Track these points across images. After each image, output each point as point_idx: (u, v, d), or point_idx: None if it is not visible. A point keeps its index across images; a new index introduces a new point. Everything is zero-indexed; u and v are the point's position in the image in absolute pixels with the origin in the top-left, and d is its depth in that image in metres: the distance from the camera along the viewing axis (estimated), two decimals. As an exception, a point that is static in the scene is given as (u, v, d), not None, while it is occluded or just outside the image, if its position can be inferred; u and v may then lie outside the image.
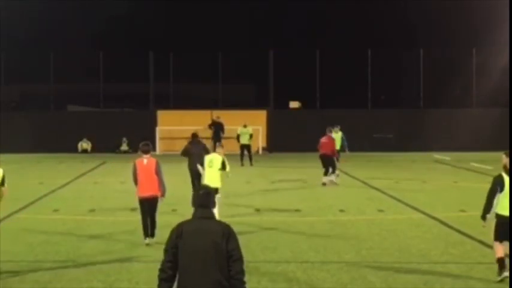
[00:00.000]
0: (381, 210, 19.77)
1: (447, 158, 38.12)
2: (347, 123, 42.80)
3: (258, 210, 19.56)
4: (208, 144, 39.23)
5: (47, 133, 43.47)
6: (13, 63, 46.03)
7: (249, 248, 13.51)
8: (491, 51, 45.56)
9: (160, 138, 42.96)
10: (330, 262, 13.25)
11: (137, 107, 49.46)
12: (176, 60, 46.78)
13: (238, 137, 35.46)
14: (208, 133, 41.61)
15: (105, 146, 43.08)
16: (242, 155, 34.81)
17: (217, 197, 17.46)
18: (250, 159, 34.50)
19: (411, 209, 20.17)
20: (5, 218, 18.47)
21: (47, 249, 14.45)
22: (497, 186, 11.55)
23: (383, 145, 43.36)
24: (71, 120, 45.24)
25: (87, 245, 14.82)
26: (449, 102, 45.31)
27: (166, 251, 6.92)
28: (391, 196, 22.73)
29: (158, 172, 14.99)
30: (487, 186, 12.18)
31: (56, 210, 19.82)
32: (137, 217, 16.39)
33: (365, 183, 26.53)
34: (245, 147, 35.20)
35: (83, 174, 30.24)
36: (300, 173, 30.53)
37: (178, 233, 6.89)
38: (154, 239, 15.24)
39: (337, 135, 27.61)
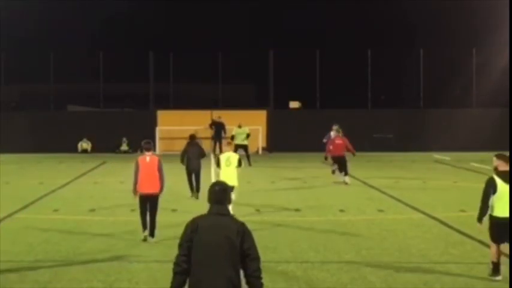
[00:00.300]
0: (380, 210, 19.77)
1: (447, 158, 38.13)
2: (347, 123, 42.84)
3: (258, 210, 19.55)
4: (208, 144, 39.51)
5: (47, 133, 43.46)
6: (13, 63, 46.02)
7: (249, 248, 13.49)
8: (491, 51, 45.55)
9: (160, 138, 42.97)
10: (330, 262, 13.25)
11: (137, 107, 49.46)
12: (176, 60, 46.78)
13: (232, 138, 35.39)
14: (209, 133, 41.70)
15: (105, 146, 43.08)
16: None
17: (234, 193, 18.07)
18: (248, 158, 34.40)
19: (411, 209, 20.17)
20: (5, 218, 18.48)
21: (47, 249, 14.45)
22: (490, 188, 11.69)
23: (383, 145, 43.35)
24: (71, 120, 45.23)
25: (87, 245, 14.82)
26: (449, 102, 45.30)
27: (181, 245, 6.96)
28: (391, 196, 22.73)
29: (160, 169, 15.38)
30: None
31: (56, 210, 19.82)
32: (137, 217, 16.40)
33: (365, 183, 26.54)
34: (241, 148, 35.07)
35: (83, 174, 30.24)
36: (300, 173, 30.53)
37: (194, 227, 6.95)
38: (154, 239, 15.33)
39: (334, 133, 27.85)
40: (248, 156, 34.54)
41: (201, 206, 19.36)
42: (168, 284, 11.54)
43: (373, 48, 45.64)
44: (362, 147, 42.31)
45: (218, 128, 41.01)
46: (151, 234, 15.33)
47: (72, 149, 43.19)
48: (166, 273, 12.20)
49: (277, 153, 41.92)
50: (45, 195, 23.19)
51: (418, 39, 46.82)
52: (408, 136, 43.45)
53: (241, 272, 6.90)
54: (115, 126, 43.45)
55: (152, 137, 40.79)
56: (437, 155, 39.94)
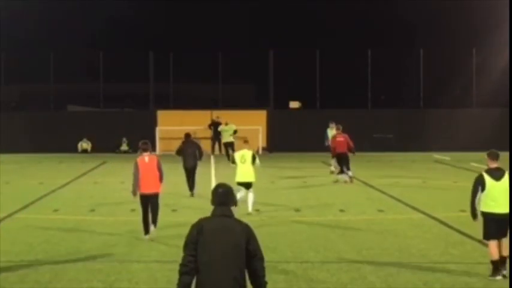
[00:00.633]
0: (380, 210, 19.77)
1: (447, 158, 38.13)
2: (347, 123, 42.81)
3: (258, 210, 19.54)
4: (207, 144, 39.51)
5: (47, 133, 43.44)
6: (13, 63, 46.00)
7: (249, 248, 13.50)
8: (491, 51, 45.55)
9: (160, 138, 42.94)
10: (330, 262, 13.25)
11: (137, 107, 49.45)
12: (176, 60, 46.76)
13: (219, 135, 35.32)
14: (208, 133, 41.72)
15: (105, 146, 43.06)
16: (227, 153, 34.60)
17: (250, 190, 18.78)
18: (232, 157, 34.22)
19: (411, 209, 20.18)
20: (5, 218, 18.49)
21: (47, 249, 14.45)
22: (478, 186, 11.94)
23: (383, 145, 43.34)
24: (71, 120, 45.21)
25: (87, 245, 14.82)
26: (449, 102, 45.28)
27: (186, 246, 7.02)
28: (391, 196, 22.74)
29: (160, 168, 15.59)
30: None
31: (56, 210, 19.82)
32: (137, 217, 16.46)
33: (365, 183, 26.54)
34: (228, 145, 35.04)
35: (83, 174, 30.24)
36: (300, 172, 30.53)
37: (199, 229, 7.00)
38: (155, 230, 15.58)
39: (332, 132, 28.67)
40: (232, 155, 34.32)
41: (201, 206, 19.38)
42: (168, 284, 11.59)
43: (373, 48, 45.63)
44: (362, 147, 42.43)
45: (216, 128, 41.09)
46: (154, 222, 15.57)
47: (72, 149, 43.18)
48: (166, 273, 12.23)
49: (277, 153, 41.91)
50: (45, 195, 23.19)
51: (418, 39, 46.81)
52: (408, 136, 43.43)
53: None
54: (115, 126, 43.43)
55: (152, 137, 40.79)
56: (437, 155, 39.94)
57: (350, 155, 26.87)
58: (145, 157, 15.56)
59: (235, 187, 19.10)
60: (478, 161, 33.89)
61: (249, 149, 19.49)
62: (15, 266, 12.85)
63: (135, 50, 47.72)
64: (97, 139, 43.53)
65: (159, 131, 43.16)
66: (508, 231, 11.92)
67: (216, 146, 41.17)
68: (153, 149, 35.63)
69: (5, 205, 20.39)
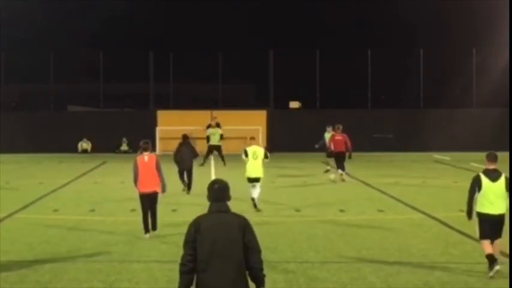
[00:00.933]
0: (380, 210, 19.77)
1: (447, 158, 38.13)
2: (347, 123, 42.81)
3: (258, 209, 19.53)
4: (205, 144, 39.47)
5: (47, 133, 43.45)
6: (13, 63, 46.02)
7: (249, 248, 13.50)
8: (491, 51, 45.56)
9: (161, 138, 42.94)
10: (330, 262, 13.25)
11: (137, 107, 49.46)
12: (176, 60, 46.77)
13: (208, 138, 35.23)
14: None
15: (105, 146, 43.07)
16: (208, 155, 34.41)
17: (259, 185, 19.61)
18: (222, 159, 34.27)
19: (411, 209, 20.17)
20: (5, 218, 18.49)
21: (47, 249, 14.44)
22: (475, 186, 12.14)
23: (383, 145, 43.36)
24: (71, 120, 45.23)
25: (87, 245, 14.81)
26: (449, 102, 45.29)
27: (185, 245, 7.08)
28: (391, 196, 22.73)
29: (159, 168, 15.67)
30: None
31: (56, 210, 19.81)
32: (137, 217, 16.48)
33: (365, 183, 26.54)
34: (214, 148, 34.95)
35: (83, 174, 30.24)
36: (300, 172, 30.53)
37: (197, 227, 7.06)
38: (157, 232, 15.69)
39: (328, 135, 28.79)
40: (222, 157, 34.33)
41: (201, 205, 19.38)
42: (168, 284, 11.59)
43: (373, 48, 45.64)
44: (362, 147, 42.44)
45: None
46: (154, 227, 15.71)
47: (72, 149, 43.19)
48: (166, 273, 12.23)
49: (277, 153, 41.90)
50: (45, 195, 23.19)
51: (418, 39, 46.82)
52: (408, 136, 43.44)
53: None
54: (115, 126, 43.44)
55: (152, 137, 40.79)
56: (437, 155, 39.94)
57: (347, 157, 26.98)
58: (145, 156, 15.70)
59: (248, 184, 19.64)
60: (478, 161, 33.89)
61: (258, 145, 20.27)
62: (15, 266, 12.84)
63: (135, 50, 47.74)
64: (97, 139, 43.54)
65: (159, 131, 43.16)
66: (501, 231, 12.13)
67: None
68: (153, 149, 35.62)
69: (5, 205, 20.39)
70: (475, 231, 12.44)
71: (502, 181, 12.04)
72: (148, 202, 15.64)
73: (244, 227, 7.02)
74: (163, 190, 15.80)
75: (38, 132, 43.43)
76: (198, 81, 49.70)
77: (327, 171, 28.59)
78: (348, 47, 45.46)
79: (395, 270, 12.51)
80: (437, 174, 30.54)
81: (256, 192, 19.59)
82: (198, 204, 20.29)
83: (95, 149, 43.35)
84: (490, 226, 12.00)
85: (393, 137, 44.06)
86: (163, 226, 16.42)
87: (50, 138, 43.20)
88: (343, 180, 26.66)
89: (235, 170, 27.53)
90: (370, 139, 43.41)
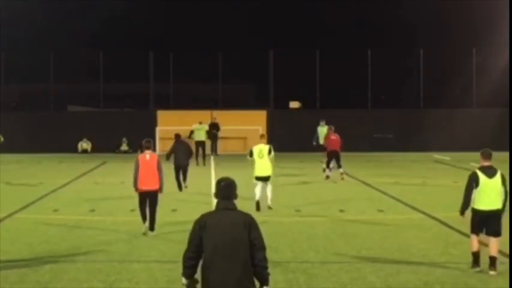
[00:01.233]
0: (380, 210, 19.77)
1: (447, 158, 38.12)
2: (347, 123, 42.87)
3: (258, 210, 19.52)
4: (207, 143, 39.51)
5: (47, 133, 43.44)
6: (13, 63, 46.01)
7: (249, 248, 13.50)
8: (491, 51, 45.55)
9: (161, 138, 42.91)
10: (330, 262, 13.25)
11: (137, 107, 49.46)
12: (176, 60, 46.76)
13: (191, 134, 35.01)
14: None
15: (105, 146, 43.06)
16: (197, 153, 34.17)
17: (269, 183, 19.65)
18: (204, 157, 34.19)
19: (411, 209, 20.17)
20: (5, 218, 18.48)
21: (47, 249, 14.44)
22: (472, 183, 12.45)
23: (383, 145, 43.34)
24: (71, 120, 45.21)
25: (87, 245, 14.81)
26: (449, 102, 45.28)
27: (189, 242, 7.16)
28: (391, 196, 22.73)
29: (159, 168, 15.87)
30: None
31: (56, 210, 19.81)
32: (137, 217, 16.49)
33: (365, 183, 26.54)
34: (200, 145, 34.82)
35: (83, 174, 30.23)
36: (299, 173, 30.52)
37: (202, 224, 7.11)
38: (154, 233, 15.73)
39: (323, 129, 29.70)
40: (204, 155, 34.24)
41: (201, 205, 19.37)
42: (168, 284, 11.60)
43: (373, 48, 45.63)
44: (362, 147, 42.46)
45: (213, 127, 41.28)
46: (151, 228, 15.78)
47: (72, 149, 43.18)
48: (166, 273, 12.24)
49: (277, 153, 41.82)
50: (45, 195, 23.18)
51: (418, 39, 46.81)
52: (408, 136, 43.43)
53: None
54: (115, 126, 43.42)
55: (152, 137, 40.78)
56: (437, 155, 39.93)
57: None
58: (147, 155, 15.91)
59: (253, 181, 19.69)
60: (478, 161, 33.88)
61: (265, 143, 20.41)
62: (15, 266, 12.85)
63: (135, 50, 47.74)
64: (97, 139, 43.53)
65: (159, 131, 43.15)
66: (500, 229, 12.38)
67: (212, 145, 41.30)
68: (154, 149, 35.65)
69: (5, 205, 20.38)
70: (467, 227, 12.79)
71: (498, 177, 12.40)
72: (148, 200, 15.76)
73: (249, 224, 7.08)
74: (161, 190, 15.96)
75: (38, 132, 43.41)
76: (198, 81, 49.69)
77: (325, 170, 28.72)
78: (348, 47, 45.45)
79: (395, 270, 12.51)
80: (437, 174, 30.53)
81: (268, 191, 19.66)
82: (198, 204, 20.29)
83: (95, 149, 43.33)
84: (483, 220, 12.32)
85: (393, 137, 44.05)
86: (163, 226, 16.43)
87: (50, 138, 43.18)
88: (342, 179, 26.87)
89: (236, 169, 27.55)
90: (370, 139, 43.41)
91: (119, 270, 12.59)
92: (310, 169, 32.12)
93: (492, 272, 12.13)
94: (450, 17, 48.75)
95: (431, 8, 50.22)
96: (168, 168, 22.85)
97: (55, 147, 42.57)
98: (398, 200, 21.78)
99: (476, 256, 12.39)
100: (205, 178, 27.57)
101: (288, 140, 42.92)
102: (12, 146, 41.55)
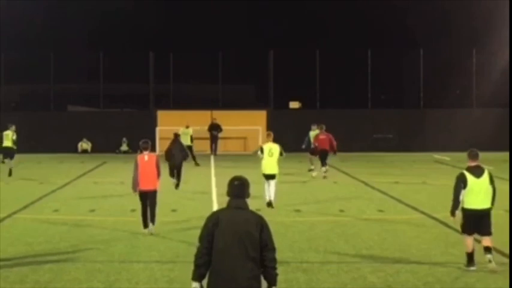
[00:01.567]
0: (380, 210, 19.77)
1: (447, 158, 38.11)
2: (347, 123, 42.91)
3: (258, 210, 19.53)
4: (206, 144, 39.52)
5: (47, 133, 43.42)
6: (13, 63, 45.99)
7: (249, 248, 13.51)
8: (491, 51, 45.54)
9: (161, 138, 42.90)
10: (330, 262, 13.25)
11: (137, 107, 49.44)
12: (176, 60, 46.75)
13: (178, 136, 35.07)
14: (207, 134, 41.78)
15: (105, 146, 43.04)
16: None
17: (274, 182, 20.10)
18: (194, 158, 34.30)
19: (411, 209, 20.17)
20: (5, 218, 18.48)
21: (47, 249, 14.45)
22: (460, 183, 12.72)
23: (383, 145, 43.35)
24: (71, 120, 45.20)
25: (87, 245, 14.82)
26: (449, 102, 45.27)
27: (202, 238, 7.16)
28: (391, 196, 22.73)
29: (158, 166, 16.16)
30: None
31: (56, 210, 19.81)
32: (137, 217, 16.53)
33: (365, 183, 26.54)
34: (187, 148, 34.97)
35: (83, 174, 30.23)
36: (300, 173, 30.53)
37: (215, 221, 7.14)
38: (156, 225, 15.98)
39: (313, 133, 30.47)
40: (194, 156, 34.39)
41: (201, 205, 19.39)
42: (168, 284, 11.60)
43: (373, 48, 45.62)
44: (362, 147, 42.46)
45: (214, 128, 41.34)
46: (152, 221, 16.02)
47: (72, 149, 43.17)
48: (166, 273, 12.24)
49: (277, 153, 41.85)
50: (45, 195, 23.18)
51: (418, 39, 46.80)
52: (408, 136, 43.44)
53: None
54: (115, 126, 43.40)
55: (152, 137, 40.79)
56: (437, 155, 39.93)
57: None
58: (145, 155, 16.15)
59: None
60: (478, 161, 33.90)
61: (274, 142, 20.53)
62: (15, 266, 12.85)
63: (135, 50, 47.73)
64: (97, 139, 43.51)
65: (159, 131, 43.14)
66: (490, 227, 12.54)
67: (213, 145, 41.33)
68: (154, 149, 35.63)
69: (5, 205, 20.38)
70: (459, 227, 12.90)
71: (485, 177, 12.59)
72: (148, 199, 16.02)
73: (261, 225, 7.18)
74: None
75: (38, 132, 43.40)
76: (198, 81, 49.68)
77: (311, 170, 29.09)
78: (348, 47, 45.44)
79: (395, 270, 12.52)
80: (437, 174, 30.53)
81: (272, 190, 20.01)
82: (198, 204, 20.32)
83: (95, 149, 43.33)
84: (475, 220, 12.47)
85: (393, 137, 44.05)
86: (163, 226, 16.44)
87: (50, 138, 43.17)
88: (324, 177, 27.54)
89: (236, 170, 27.50)
90: (370, 139, 43.41)
91: (119, 270, 12.59)
92: (310, 169, 32.11)
93: (489, 256, 12.28)
94: (450, 17, 48.76)
95: (431, 8, 50.22)
96: (163, 168, 22.91)
97: (55, 147, 42.55)
98: (398, 200, 21.78)
99: (470, 256, 12.49)
100: (205, 178, 27.59)
101: (288, 140, 42.87)
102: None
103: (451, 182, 13.42)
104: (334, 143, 28.33)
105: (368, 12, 51.73)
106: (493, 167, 28.21)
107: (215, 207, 17.71)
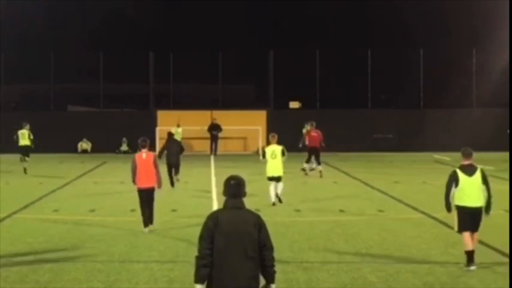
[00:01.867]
0: (380, 210, 19.77)
1: (447, 158, 38.10)
2: (347, 123, 42.92)
3: (258, 210, 19.52)
4: (206, 144, 39.54)
5: (47, 133, 43.39)
6: (13, 63, 45.98)
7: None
8: (491, 51, 45.53)
9: (161, 138, 42.87)
10: (330, 262, 13.25)
11: (137, 107, 49.44)
12: (176, 60, 46.75)
13: (171, 135, 35.10)
14: (207, 134, 41.81)
15: (105, 146, 43.04)
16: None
17: (281, 183, 20.21)
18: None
19: (411, 209, 20.17)
20: (5, 218, 18.48)
21: (47, 249, 14.45)
22: (452, 181, 12.75)
23: (383, 145, 43.35)
24: (71, 120, 45.20)
25: (87, 245, 14.82)
26: (449, 102, 45.26)
27: (203, 239, 7.17)
28: (391, 196, 22.73)
29: (156, 165, 16.34)
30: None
31: (56, 210, 19.81)
32: (137, 217, 16.54)
33: (365, 183, 26.54)
34: None
35: (83, 174, 30.24)
36: (299, 173, 30.52)
37: (215, 221, 7.17)
38: (154, 225, 16.17)
39: (305, 130, 30.82)
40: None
41: (201, 205, 19.39)
42: (168, 284, 11.60)
43: (373, 48, 45.63)
44: (362, 147, 42.46)
45: (214, 129, 41.36)
46: (151, 221, 16.22)
47: (72, 149, 43.17)
48: (166, 273, 12.24)
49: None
50: (45, 195, 23.18)
51: (418, 39, 46.80)
52: (408, 136, 43.44)
53: None
54: (115, 126, 43.40)
55: (152, 137, 40.78)
56: (437, 155, 39.93)
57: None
58: (143, 153, 16.35)
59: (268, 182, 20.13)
60: (477, 161, 33.84)
61: (277, 144, 20.73)
62: (15, 266, 12.85)
63: (135, 50, 47.72)
64: (97, 139, 43.51)
65: (159, 131, 43.12)
66: (479, 225, 12.70)
67: (213, 145, 41.36)
68: (154, 149, 35.64)
69: (5, 205, 20.38)
70: (454, 225, 12.99)
71: (478, 175, 12.72)
72: (146, 198, 16.22)
73: (259, 224, 7.23)
74: (159, 186, 16.50)
75: (38, 132, 43.33)
76: (198, 81, 49.68)
77: (304, 169, 29.60)
78: (348, 47, 45.44)
79: (395, 270, 12.52)
80: (437, 174, 30.48)
81: (279, 188, 20.19)
82: (197, 204, 20.32)
83: (95, 149, 43.32)
84: (470, 218, 12.60)
85: (393, 137, 44.05)
86: (163, 225, 16.44)
87: (50, 138, 43.15)
88: (320, 176, 27.86)
89: (236, 169, 27.50)
90: (370, 139, 43.40)
91: (119, 270, 12.59)
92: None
93: (472, 267, 12.37)
94: (450, 17, 48.75)
95: (431, 8, 50.22)
96: (161, 166, 22.88)
97: (55, 147, 42.54)
98: (398, 200, 21.78)
99: (470, 255, 12.52)
100: (205, 178, 27.60)
101: (287, 140, 42.85)
102: (12, 146, 41.52)
103: (451, 182, 13.41)
104: (322, 139, 29.08)
105: (368, 12, 51.74)
106: (493, 167, 28.26)
107: (215, 207, 17.70)
